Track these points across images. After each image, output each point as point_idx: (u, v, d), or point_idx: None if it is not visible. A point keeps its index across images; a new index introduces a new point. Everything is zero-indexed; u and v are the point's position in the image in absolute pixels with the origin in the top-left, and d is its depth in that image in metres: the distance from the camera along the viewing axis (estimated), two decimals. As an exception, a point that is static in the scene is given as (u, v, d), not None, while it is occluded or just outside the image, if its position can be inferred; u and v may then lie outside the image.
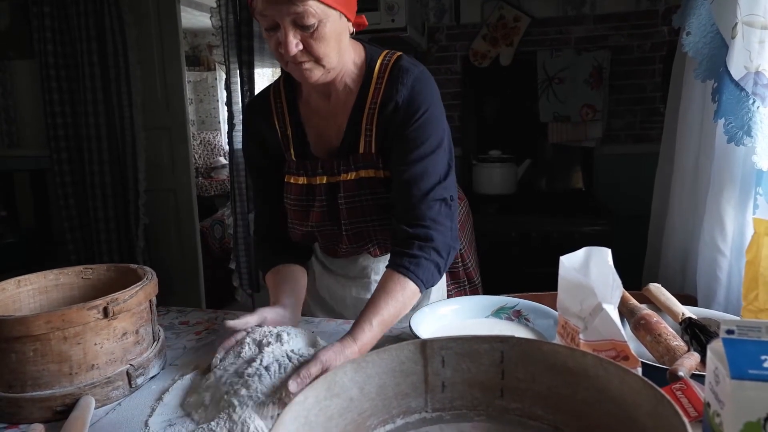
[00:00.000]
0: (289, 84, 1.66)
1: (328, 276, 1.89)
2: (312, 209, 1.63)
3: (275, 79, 1.73)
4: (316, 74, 1.44)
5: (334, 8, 1.36)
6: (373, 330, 1.33)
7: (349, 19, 1.46)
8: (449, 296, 1.84)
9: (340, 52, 1.46)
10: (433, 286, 1.50)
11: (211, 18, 3.86)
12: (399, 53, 1.59)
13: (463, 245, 1.87)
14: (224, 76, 3.94)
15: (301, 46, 1.37)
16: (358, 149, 1.57)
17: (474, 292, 1.93)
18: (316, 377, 1.15)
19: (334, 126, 1.61)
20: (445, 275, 1.82)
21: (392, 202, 1.55)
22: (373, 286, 1.73)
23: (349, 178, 1.58)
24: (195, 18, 6.16)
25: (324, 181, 1.61)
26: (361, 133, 1.56)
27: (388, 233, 1.63)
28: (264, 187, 1.73)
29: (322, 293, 1.92)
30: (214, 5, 3.80)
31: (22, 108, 4.68)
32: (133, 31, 4.20)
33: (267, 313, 1.44)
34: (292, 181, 1.65)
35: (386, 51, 1.60)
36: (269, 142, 1.66)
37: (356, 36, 1.58)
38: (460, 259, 1.86)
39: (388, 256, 1.69)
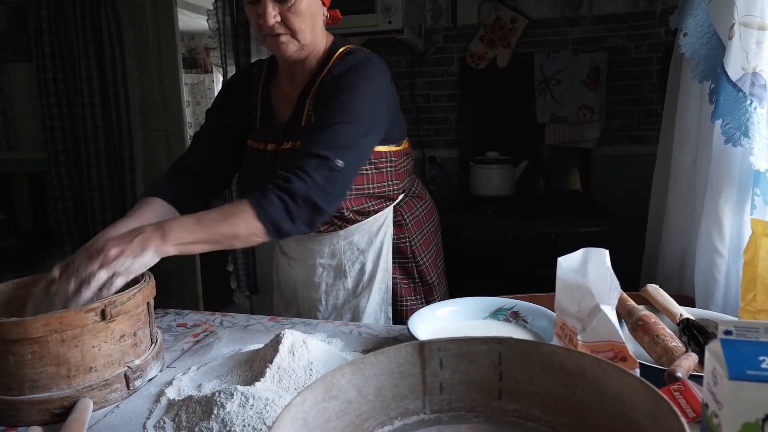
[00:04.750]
0: (271, 64, 1.86)
1: (283, 260, 2.00)
2: (258, 175, 1.76)
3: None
4: (291, 48, 1.63)
5: None
6: (183, 222, 1.41)
7: (324, 3, 1.65)
8: (395, 288, 1.91)
9: (314, 32, 1.65)
10: (280, 227, 1.47)
11: (207, 20, 3.87)
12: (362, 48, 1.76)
13: (415, 242, 1.91)
14: (221, 79, 3.95)
15: (279, 18, 1.56)
16: (301, 121, 1.71)
17: (428, 292, 1.97)
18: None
19: (291, 101, 1.76)
20: (393, 267, 1.91)
21: None
22: (319, 270, 1.88)
23: (288, 146, 1.71)
24: (192, 20, 6.14)
25: (272, 149, 1.75)
26: (305, 107, 1.70)
27: None
28: (214, 138, 1.88)
29: (281, 281, 2.04)
30: (211, 8, 3.80)
31: (20, 111, 4.69)
32: (130, 33, 4.20)
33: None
34: (253, 146, 1.81)
35: (352, 45, 1.76)
36: (241, 106, 1.86)
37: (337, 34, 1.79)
38: (411, 255, 1.91)
39: (332, 239, 1.84)
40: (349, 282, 1.89)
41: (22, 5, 4.35)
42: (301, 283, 1.95)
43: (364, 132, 1.61)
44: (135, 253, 1.30)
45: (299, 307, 1.97)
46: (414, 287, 1.94)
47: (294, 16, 1.57)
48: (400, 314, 1.91)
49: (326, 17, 1.70)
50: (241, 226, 1.42)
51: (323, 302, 1.90)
